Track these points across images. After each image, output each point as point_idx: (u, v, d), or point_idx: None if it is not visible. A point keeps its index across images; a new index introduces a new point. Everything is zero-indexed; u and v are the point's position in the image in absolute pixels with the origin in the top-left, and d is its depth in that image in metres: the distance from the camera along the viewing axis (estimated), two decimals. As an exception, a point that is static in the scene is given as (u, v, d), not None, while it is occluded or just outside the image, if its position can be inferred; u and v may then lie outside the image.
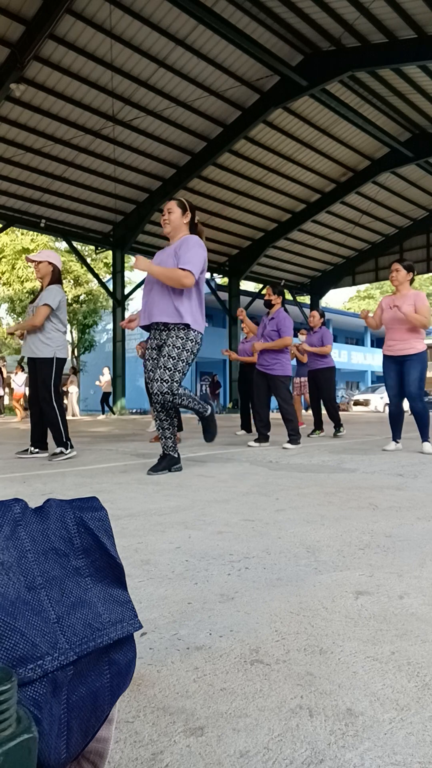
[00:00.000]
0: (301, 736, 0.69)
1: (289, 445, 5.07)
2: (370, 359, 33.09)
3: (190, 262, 3.20)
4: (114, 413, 17.45)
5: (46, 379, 4.26)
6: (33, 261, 4.36)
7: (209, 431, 3.63)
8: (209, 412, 3.54)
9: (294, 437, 5.14)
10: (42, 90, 12.09)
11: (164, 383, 3.23)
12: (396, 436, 4.80)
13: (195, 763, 0.65)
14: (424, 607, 1.12)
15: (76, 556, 0.56)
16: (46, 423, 4.30)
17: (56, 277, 4.43)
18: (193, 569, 1.40)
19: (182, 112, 13.72)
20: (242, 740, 0.69)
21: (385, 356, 4.80)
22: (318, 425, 6.98)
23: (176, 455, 3.46)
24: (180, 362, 3.26)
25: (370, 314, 4.84)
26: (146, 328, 3.49)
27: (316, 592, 1.22)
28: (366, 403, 24.19)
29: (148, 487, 2.77)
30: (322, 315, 7.03)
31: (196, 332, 3.33)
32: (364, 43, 11.91)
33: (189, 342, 3.29)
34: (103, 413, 17.43)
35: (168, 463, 3.40)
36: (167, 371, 3.24)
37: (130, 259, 26.44)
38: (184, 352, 3.28)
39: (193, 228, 3.48)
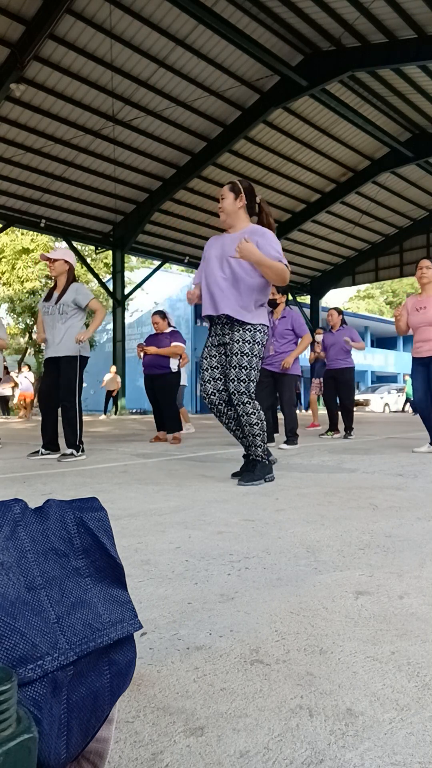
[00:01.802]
0: (301, 736, 0.69)
1: (285, 446, 5.05)
2: (370, 359, 33.07)
3: (283, 256, 2.96)
4: (115, 413, 17.44)
5: (71, 379, 4.22)
6: (49, 259, 4.36)
7: (248, 475, 2.92)
8: (269, 458, 3.01)
9: (291, 438, 5.11)
10: (42, 90, 12.08)
11: (242, 383, 2.94)
12: None
13: (195, 763, 0.65)
14: (424, 607, 1.12)
15: (76, 556, 0.56)
16: (65, 422, 4.24)
17: (72, 275, 4.43)
18: (193, 569, 1.40)
19: (182, 112, 13.72)
20: (242, 740, 0.69)
21: (414, 359, 4.65)
22: (333, 426, 6.90)
23: (267, 461, 3.06)
24: (254, 359, 2.98)
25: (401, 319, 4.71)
26: (209, 319, 3.17)
27: (316, 592, 1.22)
28: (366, 403, 24.21)
29: (148, 487, 2.77)
30: (340, 312, 6.82)
31: (263, 332, 3.05)
32: (364, 43, 11.91)
33: (256, 345, 3.01)
34: (105, 413, 17.43)
35: (261, 471, 2.98)
36: (243, 370, 2.95)
37: (130, 259, 26.46)
38: (256, 346, 3.00)
39: (253, 209, 3.13)
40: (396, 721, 0.72)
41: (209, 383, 3.09)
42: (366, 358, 32.70)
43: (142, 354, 6.13)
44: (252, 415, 2.98)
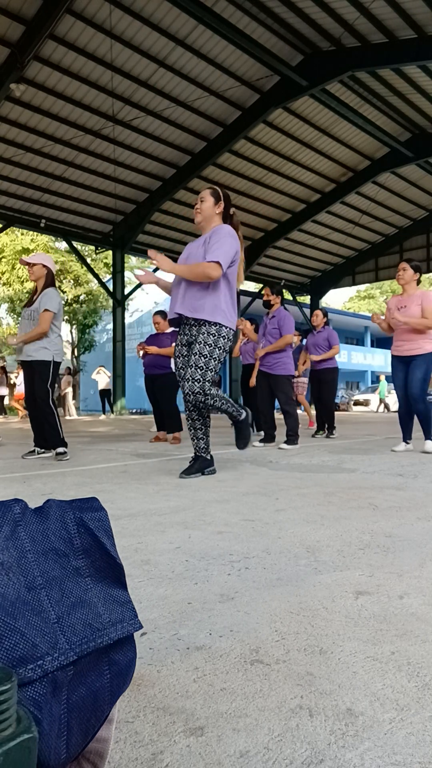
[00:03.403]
0: (301, 736, 0.69)
1: (285, 446, 5.05)
2: (370, 359, 33.08)
3: (218, 253, 3.06)
4: (113, 412, 17.45)
5: (45, 381, 4.28)
6: (27, 263, 4.37)
7: (242, 437, 3.35)
8: (243, 416, 3.31)
9: (291, 438, 5.11)
10: (42, 90, 12.08)
11: (196, 383, 3.11)
12: (406, 436, 4.75)
13: (195, 763, 0.65)
14: (424, 607, 1.12)
15: (76, 556, 0.56)
16: (45, 425, 4.31)
17: (50, 280, 4.43)
18: (193, 569, 1.40)
19: (182, 112, 13.71)
20: (242, 740, 0.69)
21: (393, 357, 4.76)
22: (321, 425, 6.94)
23: (209, 457, 3.33)
24: (212, 361, 3.14)
25: (382, 317, 4.79)
26: (175, 322, 3.35)
27: (316, 592, 1.22)
28: (366, 403, 24.25)
29: (148, 487, 2.77)
30: (325, 314, 6.91)
31: (227, 329, 3.20)
32: (364, 43, 11.90)
33: (221, 339, 3.16)
34: (103, 413, 17.45)
35: (201, 465, 3.27)
36: (199, 370, 3.12)
37: (130, 259, 26.44)
38: (216, 350, 3.15)
39: (228, 219, 3.29)
40: (396, 721, 0.72)
41: (187, 382, 3.26)
42: (366, 358, 32.71)
43: (142, 353, 6.13)
44: (216, 403, 3.16)
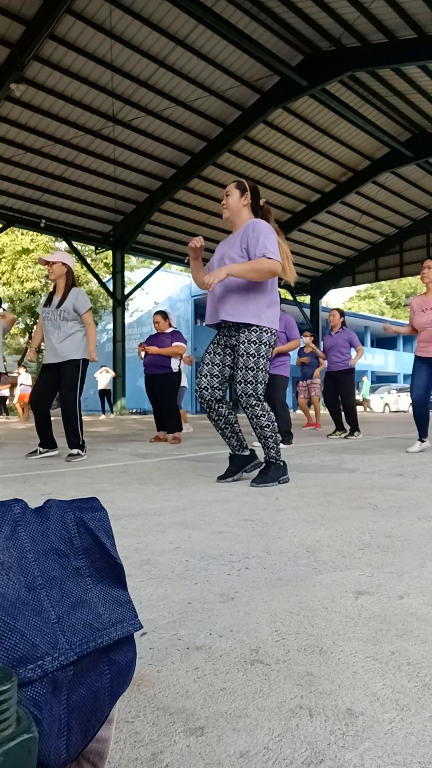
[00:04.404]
0: (301, 736, 0.69)
1: (283, 445, 5.10)
2: (370, 359, 33.05)
3: (269, 247, 2.83)
4: (113, 412, 17.45)
5: (75, 382, 4.26)
6: (47, 262, 4.35)
7: (262, 474, 2.90)
8: (278, 458, 2.97)
9: (286, 438, 5.20)
10: (42, 90, 12.08)
11: (248, 384, 2.88)
12: (422, 435, 4.71)
13: (195, 763, 0.65)
14: (424, 607, 1.12)
15: (76, 556, 0.56)
16: (65, 423, 4.27)
17: (71, 278, 4.42)
18: (193, 569, 1.40)
19: (182, 112, 13.72)
20: (242, 740, 0.69)
21: (418, 358, 4.68)
22: (339, 426, 6.88)
23: (247, 453, 3.12)
24: (261, 360, 2.91)
25: (393, 327, 4.75)
26: (215, 325, 3.13)
27: (316, 592, 1.22)
28: (366, 403, 24.26)
29: (148, 487, 2.77)
30: (342, 315, 6.76)
31: (270, 333, 2.97)
32: (364, 43, 11.91)
33: (263, 346, 2.93)
34: (103, 413, 17.47)
35: (238, 464, 3.07)
36: (250, 371, 2.89)
37: (130, 259, 26.45)
38: (263, 347, 2.94)
39: (257, 210, 3.08)
40: (396, 721, 0.72)
41: (204, 378, 3.05)
42: (366, 359, 32.67)
43: (143, 354, 6.13)
44: (261, 417, 2.92)
